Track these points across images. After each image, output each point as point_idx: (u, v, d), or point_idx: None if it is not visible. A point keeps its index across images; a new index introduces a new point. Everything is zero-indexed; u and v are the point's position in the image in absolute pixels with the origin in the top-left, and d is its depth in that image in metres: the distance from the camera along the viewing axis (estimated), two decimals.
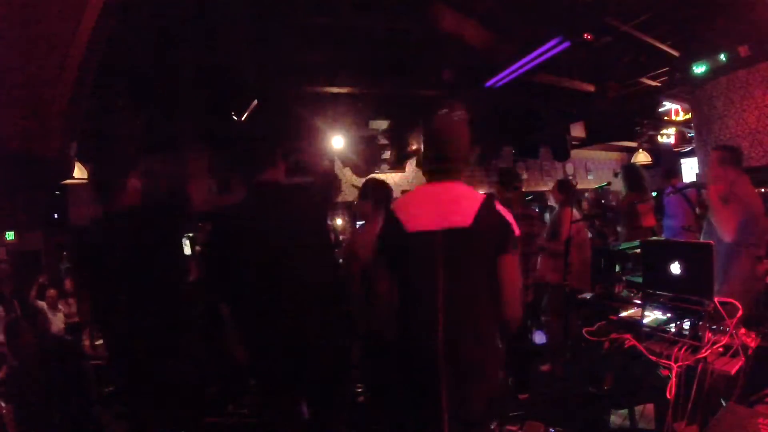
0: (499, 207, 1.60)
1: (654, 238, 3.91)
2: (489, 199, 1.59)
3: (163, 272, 1.98)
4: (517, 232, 1.60)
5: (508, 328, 1.62)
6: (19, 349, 3.37)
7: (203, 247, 2.10)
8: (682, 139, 8.80)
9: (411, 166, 8.49)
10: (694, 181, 5.87)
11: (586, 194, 7.88)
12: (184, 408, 1.96)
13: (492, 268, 1.57)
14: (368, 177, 3.01)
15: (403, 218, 1.61)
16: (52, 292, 5.57)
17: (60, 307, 5.57)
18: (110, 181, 2.05)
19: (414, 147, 6.79)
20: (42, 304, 5.33)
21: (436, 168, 1.67)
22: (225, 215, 2.04)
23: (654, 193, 4.66)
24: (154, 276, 1.95)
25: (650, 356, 2.13)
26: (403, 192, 9.01)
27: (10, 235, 7.62)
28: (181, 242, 2.15)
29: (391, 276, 1.65)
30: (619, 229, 4.78)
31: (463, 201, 1.59)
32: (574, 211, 4.00)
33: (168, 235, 2.05)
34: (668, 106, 7.84)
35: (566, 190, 4.11)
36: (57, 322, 5.34)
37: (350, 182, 6.66)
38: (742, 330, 2.02)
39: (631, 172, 4.46)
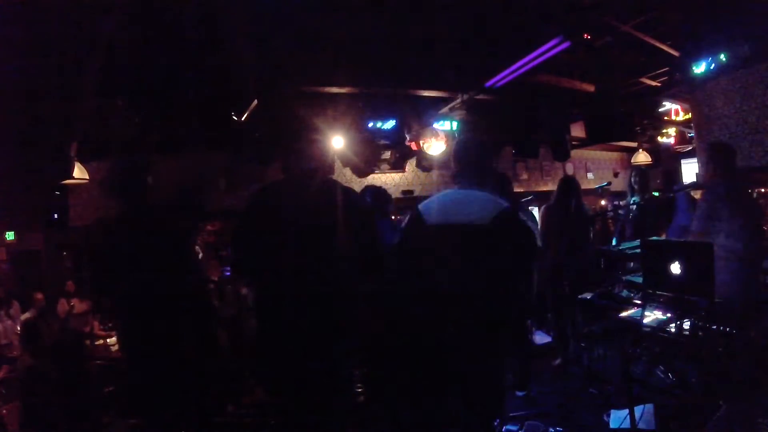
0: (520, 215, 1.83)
1: (654, 238, 3.91)
2: (511, 206, 1.79)
3: (174, 273, 1.98)
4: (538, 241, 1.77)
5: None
6: (37, 349, 3.38)
7: (235, 230, 2.05)
8: (682, 139, 8.79)
9: (411, 166, 8.48)
10: (694, 182, 5.86)
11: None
12: (188, 408, 1.96)
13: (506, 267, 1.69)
14: (366, 185, 3.03)
15: (426, 213, 1.82)
16: (39, 296, 5.53)
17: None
18: (131, 182, 2.07)
19: (414, 147, 6.78)
20: (26, 316, 5.24)
21: (461, 178, 1.89)
22: (261, 199, 1.99)
23: (655, 194, 4.67)
24: (165, 277, 1.95)
25: (650, 356, 2.13)
26: (403, 192, 9.01)
27: (10, 235, 7.63)
28: (193, 243, 2.14)
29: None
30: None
31: (483, 203, 1.77)
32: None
33: (181, 235, 2.05)
34: (668, 106, 7.83)
35: (560, 187, 4.13)
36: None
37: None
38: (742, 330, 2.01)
39: (644, 177, 4.53)
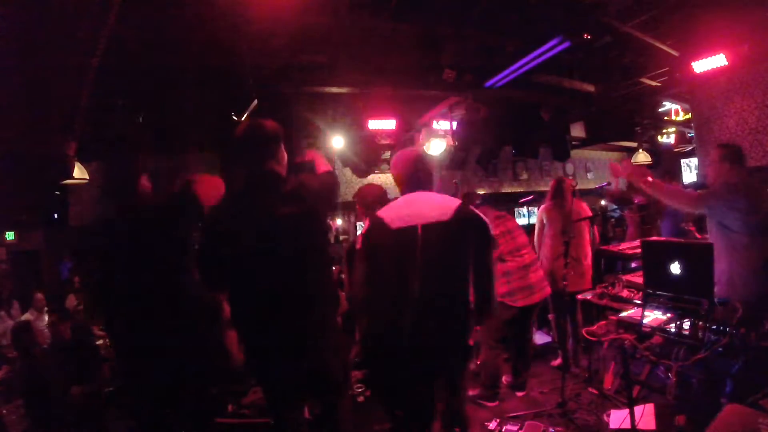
0: (474, 209, 1.97)
1: (654, 238, 3.92)
2: (465, 202, 1.98)
3: (170, 272, 1.95)
4: (494, 230, 1.96)
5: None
6: (27, 350, 3.38)
7: (198, 244, 2.01)
8: (682, 139, 8.79)
9: None
10: (693, 182, 5.86)
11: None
12: (188, 409, 1.95)
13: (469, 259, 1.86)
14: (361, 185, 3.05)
15: (388, 220, 1.89)
16: (39, 295, 5.53)
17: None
18: (122, 184, 2.04)
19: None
20: (27, 316, 5.24)
21: (410, 185, 2.03)
22: (219, 210, 1.95)
23: None
24: (162, 276, 1.93)
25: (650, 356, 2.13)
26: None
27: (10, 235, 7.64)
28: (191, 241, 2.07)
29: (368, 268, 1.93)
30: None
31: (439, 202, 1.93)
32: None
33: (178, 234, 2.00)
34: (668, 106, 7.83)
35: (553, 190, 4.13)
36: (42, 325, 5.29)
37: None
38: (742, 330, 2.01)
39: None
